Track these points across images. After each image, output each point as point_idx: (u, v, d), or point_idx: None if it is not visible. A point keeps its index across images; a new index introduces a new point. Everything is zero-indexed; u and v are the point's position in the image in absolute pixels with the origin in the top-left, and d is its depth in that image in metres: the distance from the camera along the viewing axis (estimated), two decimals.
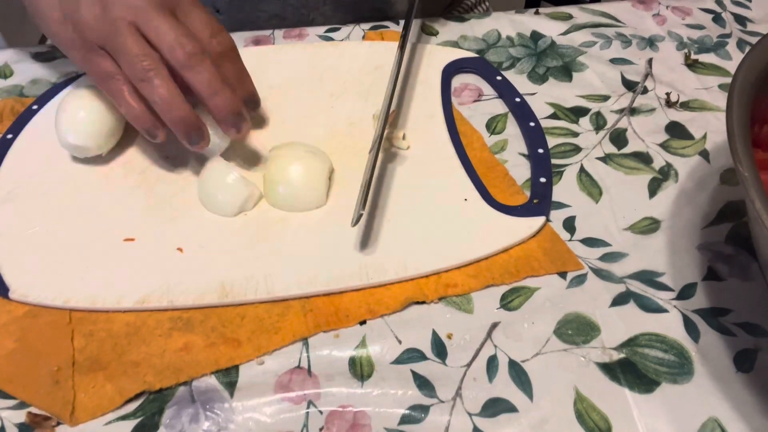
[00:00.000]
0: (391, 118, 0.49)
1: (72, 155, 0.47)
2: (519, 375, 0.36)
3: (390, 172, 0.46)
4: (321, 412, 0.35)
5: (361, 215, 0.39)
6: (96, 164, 0.47)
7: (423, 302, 0.39)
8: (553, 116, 0.50)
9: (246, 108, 0.43)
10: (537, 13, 0.60)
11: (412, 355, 0.37)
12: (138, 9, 0.40)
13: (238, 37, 0.58)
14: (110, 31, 0.40)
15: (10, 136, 0.49)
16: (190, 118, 0.40)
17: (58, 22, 0.42)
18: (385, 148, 0.47)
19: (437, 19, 0.59)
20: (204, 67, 0.40)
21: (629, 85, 0.53)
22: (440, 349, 0.37)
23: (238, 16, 0.65)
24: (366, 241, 0.41)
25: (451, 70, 0.54)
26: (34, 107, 0.51)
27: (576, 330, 0.38)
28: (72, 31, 0.41)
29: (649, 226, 0.43)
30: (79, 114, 0.44)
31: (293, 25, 0.59)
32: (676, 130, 0.49)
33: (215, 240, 0.42)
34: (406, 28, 0.52)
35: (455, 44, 0.57)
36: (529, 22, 0.59)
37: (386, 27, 0.59)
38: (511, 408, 0.35)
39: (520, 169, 0.46)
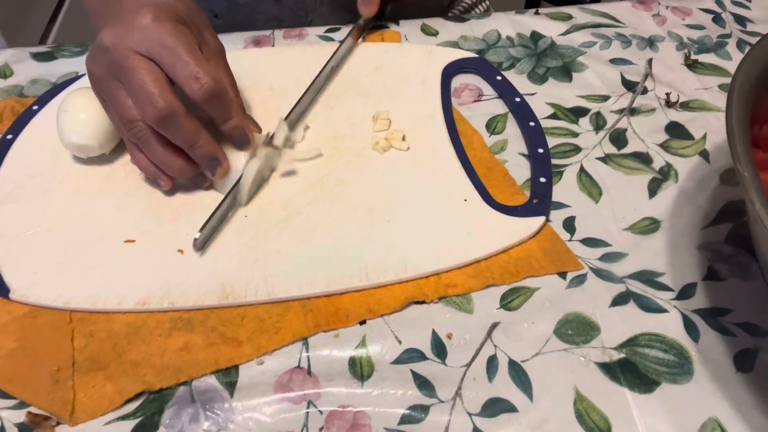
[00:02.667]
0: (384, 122, 0.49)
1: (74, 156, 0.47)
2: (519, 375, 0.36)
3: (390, 172, 0.46)
4: (321, 412, 0.35)
5: (196, 240, 0.41)
6: (97, 165, 0.47)
7: (423, 302, 0.39)
8: (553, 116, 0.50)
9: (236, 144, 0.44)
10: (537, 13, 0.60)
11: (412, 355, 0.37)
12: (114, 64, 0.40)
13: (238, 38, 0.58)
14: (101, 86, 0.42)
15: (10, 136, 0.49)
16: (184, 170, 0.43)
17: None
18: (385, 148, 0.47)
19: (437, 20, 0.59)
20: (176, 126, 0.40)
21: (629, 85, 0.53)
22: (440, 349, 0.37)
23: (236, 20, 0.65)
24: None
25: (451, 71, 0.54)
26: (35, 107, 0.51)
27: (576, 330, 0.38)
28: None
29: (649, 226, 0.43)
30: (81, 114, 0.44)
31: (291, 27, 0.59)
32: (676, 130, 0.49)
33: (216, 241, 0.42)
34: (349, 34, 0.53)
35: (455, 44, 0.57)
36: (529, 22, 0.59)
37: (386, 27, 0.59)
38: (511, 408, 0.35)
39: (520, 169, 0.46)
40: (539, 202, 0.44)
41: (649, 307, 0.39)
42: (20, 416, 0.35)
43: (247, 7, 0.64)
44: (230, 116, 0.42)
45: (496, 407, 0.35)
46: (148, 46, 0.39)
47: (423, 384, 0.36)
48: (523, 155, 0.48)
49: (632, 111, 0.51)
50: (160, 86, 0.39)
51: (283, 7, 0.64)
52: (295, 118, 0.48)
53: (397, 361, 0.37)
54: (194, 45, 0.41)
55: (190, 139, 0.41)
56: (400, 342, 0.38)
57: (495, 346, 0.37)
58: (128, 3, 0.42)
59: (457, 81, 0.54)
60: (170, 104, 0.39)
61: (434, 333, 0.38)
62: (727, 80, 0.53)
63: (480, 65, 0.54)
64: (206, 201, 0.44)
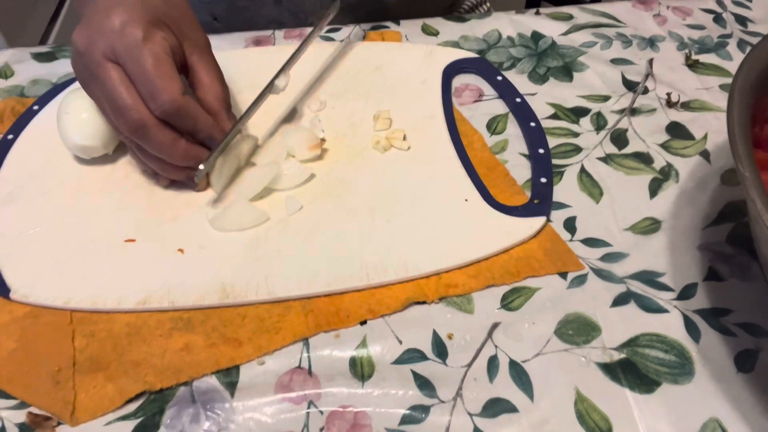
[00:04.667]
0: (384, 122, 0.49)
1: (74, 156, 0.47)
2: (519, 375, 0.36)
3: (390, 172, 0.46)
4: (321, 413, 0.35)
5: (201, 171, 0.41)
6: (97, 165, 0.47)
7: (423, 302, 0.39)
8: (554, 116, 0.50)
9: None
10: (537, 13, 0.60)
11: (413, 355, 0.37)
12: (88, 71, 0.40)
13: (239, 38, 0.58)
14: (85, 89, 0.41)
15: (10, 136, 0.49)
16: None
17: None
18: (386, 147, 0.47)
19: (437, 20, 0.59)
20: (149, 138, 0.40)
21: (630, 85, 0.53)
22: (441, 350, 0.37)
23: (236, 23, 0.65)
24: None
25: (451, 71, 0.54)
26: (35, 108, 0.51)
27: (576, 330, 0.38)
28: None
29: (649, 227, 0.43)
30: (83, 114, 0.44)
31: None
32: (676, 130, 0.49)
33: (216, 241, 0.42)
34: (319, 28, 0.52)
35: (456, 44, 0.57)
36: (529, 22, 0.59)
37: (387, 27, 0.59)
38: (511, 408, 0.35)
39: (520, 170, 0.46)
40: (540, 202, 0.44)
41: (649, 307, 0.39)
42: (21, 416, 0.35)
43: (247, 10, 0.64)
44: (197, 128, 0.41)
45: (496, 407, 0.35)
46: (116, 52, 0.39)
47: (424, 384, 0.36)
48: (524, 155, 0.47)
49: (633, 111, 0.51)
50: (132, 98, 0.39)
51: (283, 10, 0.64)
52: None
53: (398, 361, 0.37)
54: (164, 53, 0.40)
55: (163, 151, 0.41)
56: (400, 342, 0.38)
57: (496, 347, 0.37)
58: (103, 0, 0.41)
59: (458, 81, 0.54)
60: (141, 117, 0.39)
61: (435, 333, 0.38)
62: (728, 80, 0.53)
63: (480, 65, 0.54)
64: (206, 201, 0.44)
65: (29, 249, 0.42)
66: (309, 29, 0.58)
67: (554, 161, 0.47)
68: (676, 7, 0.61)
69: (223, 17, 0.66)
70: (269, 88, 0.46)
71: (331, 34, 0.58)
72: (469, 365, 0.36)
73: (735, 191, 0.45)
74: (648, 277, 0.40)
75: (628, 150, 0.48)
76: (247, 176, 0.45)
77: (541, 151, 0.47)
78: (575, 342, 0.37)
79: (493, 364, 0.36)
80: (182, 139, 0.41)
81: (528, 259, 0.41)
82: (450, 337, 0.38)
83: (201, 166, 0.42)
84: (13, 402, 0.35)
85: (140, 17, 0.39)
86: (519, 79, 0.53)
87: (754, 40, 0.57)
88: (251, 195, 0.44)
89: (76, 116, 0.44)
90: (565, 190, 0.45)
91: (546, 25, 0.59)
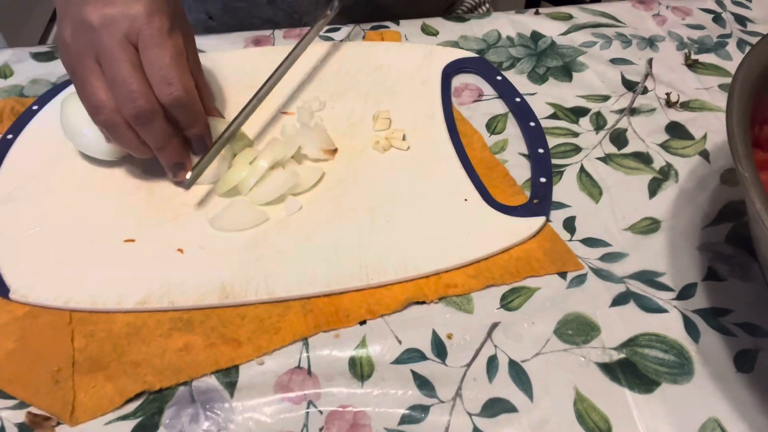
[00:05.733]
0: (384, 122, 0.49)
1: (74, 156, 0.47)
2: (519, 375, 0.36)
3: (390, 172, 0.46)
4: (321, 412, 0.35)
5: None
6: (97, 165, 0.47)
7: (423, 302, 0.39)
8: (553, 116, 0.50)
9: (195, 149, 0.44)
10: (537, 13, 0.60)
11: (412, 355, 0.37)
12: (99, 47, 0.40)
13: (238, 38, 0.58)
14: (76, 61, 0.40)
15: (10, 136, 0.49)
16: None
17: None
18: (386, 147, 0.47)
19: (437, 20, 0.59)
20: (151, 128, 0.40)
21: (629, 85, 0.53)
22: (440, 349, 0.37)
23: (231, 23, 0.65)
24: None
25: (451, 71, 0.54)
26: (35, 107, 0.51)
27: (576, 330, 0.38)
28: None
29: (649, 227, 0.43)
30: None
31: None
32: (676, 130, 0.49)
33: (215, 241, 0.42)
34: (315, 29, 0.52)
35: (455, 44, 0.57)
36: (529, 22, 0.59)
37: (386, 27, 0.59)
38: (511, 408, 0.35)
39: (520, 169, 0.46)
40: (539, 202, 0.44)
41: (649, 307, 0.39)
42: (20, 416, 0.35)
43: (242, 10, 0.64)
44: (194, 124, 0.42)
45: (496, 407, 0.35)
46: (142, 36, 0.39)
47: (423, 384, 0.36)
48: (524, 155, 0.47)
49: (632, 111, 0.51)
50: (144, 84, 0.39)
51: (277, 10, 0.63)
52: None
53: (398, 361, 0.37)
54: (181, 48, 0.41)
55: (159, 144, 0.41)
56: (400, 342, 0.38)
57: (495, 346, 0.37)
58: None
59: (458, 81, 0.54)
60: (152, 105, 0.39)
61: (434, 333, 0.38)
62: (728, 80, 0.53)
63: (480, 65, 0.54)
64: (206, 201, 0.44)
65: (29, 249, 0.42)
66: (308, 29, 0.58)
67: (554, 161, 0.47)
68: (675, 7, 0.61)
69: (218, 16, 0.66)
70: (256, 99, 0.47)
71: (331, 34, 0.58)
72: (469, 365, 0.36)
73: (734, 191, 0.45)
74: (647, 277, 0.40)
75: (627, 150, 0.48)
76: (262, 182, 0.44)
77: (540, 150, 0.47)
78: (575, 342, 0.37)
79: (492, 364, 0.36)
80: (177, 137, 0.42)
81: (527, 259, 0.41)
82: (449, 337, 0.38)
83: (188, 175, 0.42)
84: (12, 402, 0.35)
85: (164, 8, 0.41)
86: (518, 79, 0.53)
87: (754, 40, 0.57)
88: (265, 201, 0.43)
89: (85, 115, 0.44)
90: (565, 190, 0.45)
91: (545, 25, 0.59)
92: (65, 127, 0.45)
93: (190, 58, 0.43)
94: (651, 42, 0.57)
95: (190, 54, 0.43)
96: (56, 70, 0.55)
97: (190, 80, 0.41)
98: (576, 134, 0.49)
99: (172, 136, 0.42)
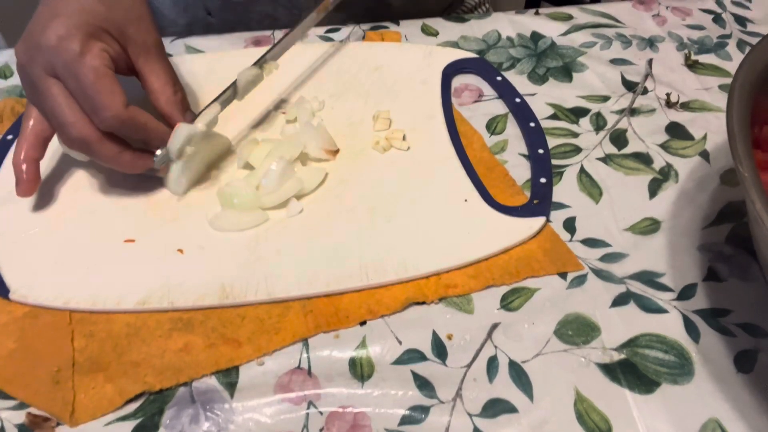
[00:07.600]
0: (384, 122, 0.49)
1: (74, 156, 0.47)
2: (519, 375, 0.36)
3: (390, 173, 0.46)
4: (321, 413, 0.35)
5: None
6: (97, 165, 0.47)
7: (423, 303, 0.39)
8: (554, 117, 0.50)
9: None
10: (537, 13, 0.60)
11: (413, 355, 0.37)
12: (29, 82, 0.39)
13: (238, 38, 0.58)
14: (31, 83, 0.40)
15: (10, 136, 0.49)
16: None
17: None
18: (386, 148, 0.47)
19: (437, 20, 0.59)
20: (92, 152, 0.40)
21: (629, 85, 0.53)
22: (440, 350, 0.37)
23: (230, 18, 0.65)
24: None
25: (451, 71, 0.54)
26: None
27: (576, 330, 0.38)
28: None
29: (649, 227, 0.43)
30: None
31: (286, 26, 0.59)
32: (676, 130, 0.49)
33: (215, 241, 0.42)
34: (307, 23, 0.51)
35: (455, 45, 0.57)
36: (529, 22, 0.59)
37: (386, 27, 0.59)
38: (511, 408, 0.35)
39: (520, 170, 0.46)
40: (539, 202, 0.44)
41: (649, 307, 0.39)
42: (20, 417, 0.35)
43: (241, 6, 0.64)
44: (148, 138, 0.42)
45: (496, 408, 0.35)
46: (55, 68, 0.38)
47: (423, 385, 0.36)
48: (524, 156, 0.47)
49: (632, 111, 0.51)
50: (73, 114, 0.39)
51: (277, 5, 0.63)
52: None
53: (398, 361, 0.37)
54: (103, 65, 0.39)
55: (109, 163, 0.41)
56: (400, 342, 0.38)
57: (495, 347, 0.37)
58: (42, 11, 0.40)
59: (458, 81, 0.54)
60: (82, 134, 0.39)
61: (434, 333, 0.38)
62: (728, 80, 0.53)
63: (480, 65, 0.54)
64: (206, 201, 0.44)
65: (29, 249, 0.42)
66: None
67: (554, 161, 0.47)
68: (675, 7, 0.61)
69: (217, 12, 0.66)
70: (235, 87, 0.46)
71: (331, 34, 0.58)
72: (469, 366, 0.36)
73: (734, 192, 0.45)
74: (648, 278, 0.40)
75: (627, 150, 0.48)
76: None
77: (540, 151, 0.47)
78: (575, 342, 0.37)
79: (492, 364, 0.36)
80: (127, 150, 0.41)
81: (527, 259, 0.41)
82: (449, 337, 0.38)
83: (158, 152, 0.42)
84: (12, 402, 0.35)
85: (77, 29, 0.38)
86: (518, 80, 0.53)
87: (754, 41, 0.57)
88: (270, 205, 0.43)
89: None
90: (565, 190, 0.45)
91: (545, 25, 0.59)
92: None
93: (135, 57, 0.42)
94: (651, 42, 0.57)
95: (134, 52, 0.42)
96: None
97: (115, 101, 0.38)
98: (576, 135, 0.49)
99: (120, 152, 0.41)
